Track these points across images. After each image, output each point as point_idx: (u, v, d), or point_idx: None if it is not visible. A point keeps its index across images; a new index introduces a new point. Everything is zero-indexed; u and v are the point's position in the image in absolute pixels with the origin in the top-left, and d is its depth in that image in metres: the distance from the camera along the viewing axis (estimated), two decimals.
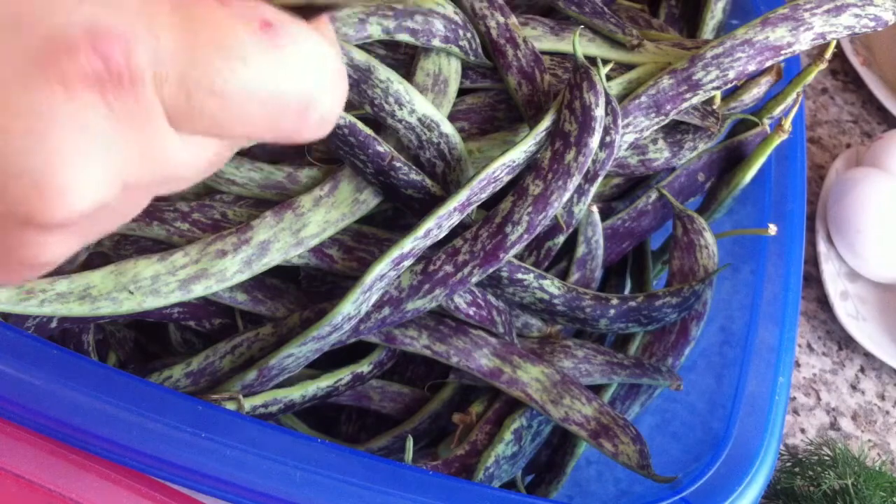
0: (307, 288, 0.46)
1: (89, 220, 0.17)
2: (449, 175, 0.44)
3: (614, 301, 0.46)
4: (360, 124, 0.42)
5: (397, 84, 0.42)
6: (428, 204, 0.43)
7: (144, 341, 0.49)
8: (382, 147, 0.42)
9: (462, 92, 0.47)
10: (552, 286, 0.45)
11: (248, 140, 0.19)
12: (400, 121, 0.43)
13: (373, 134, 0.42)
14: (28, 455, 0.35)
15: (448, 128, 0.44)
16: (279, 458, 0.35)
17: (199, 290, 0.41)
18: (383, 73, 0.42)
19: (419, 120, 0.43)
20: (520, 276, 0.44)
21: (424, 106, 0.43)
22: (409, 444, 0.42)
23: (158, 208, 0.43)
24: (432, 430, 0.47)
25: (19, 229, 0.17)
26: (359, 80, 0.42)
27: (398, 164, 0.42)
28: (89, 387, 0.34)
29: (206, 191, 0.45)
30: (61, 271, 0.40)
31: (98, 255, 0.44)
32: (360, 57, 0.42)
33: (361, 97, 0.43)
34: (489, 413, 0.45)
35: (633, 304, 0.46)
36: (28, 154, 0.16)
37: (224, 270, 0.41)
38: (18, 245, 0.18)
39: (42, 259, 0.18)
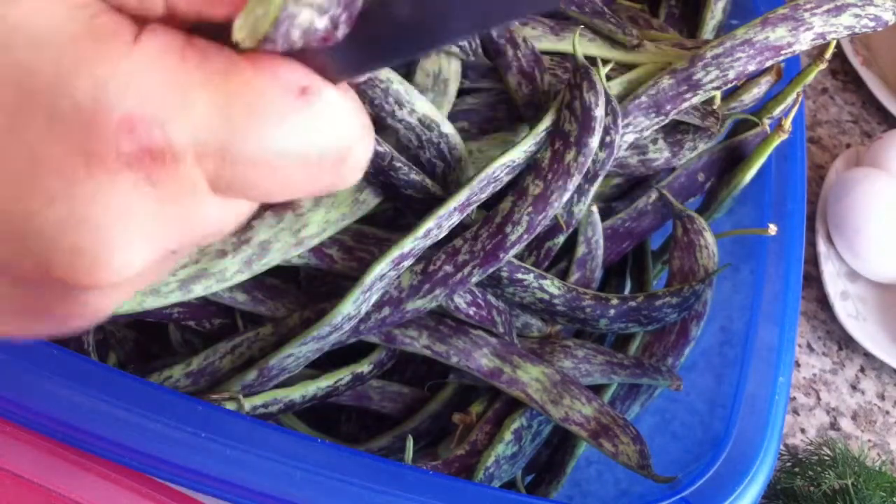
0: (307, 288, 0.46)
1: (132, 281, 0.18)
2: (449, 175, 0.44)
3: (614, 301, 0.46)
4: None
5: (397, 84, 0.42)
6: (428, 204, 0.43)
7: (144, 341, 0.49)
8: (382, 147, 0.42)
9: (462, 92, 0.47)
10: (552, 286, 0.45)
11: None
12: (400, 121, 0.43)
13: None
14: (28, 455, 0.34)
15: (448, 128, 0.44)
16: (279, 458, 0.35)
17: (198, 289, 0.41)
18: (383, 72, 0.42)
19: (419, 120, 0.43)
20: (520, 276, 0.44)
21: (424, 106, 0.43)
22: (409, 444, 0.42)
23: None
24: (432, 430, 0.47)
25: (63, 291, 0.18)
26: None
27: (398, 164, 0.42)
28: (89, 387, 0.34)
29: None
30: None
31: None
32: None
33: (361, 97, 0.43)
34: (489, 413, 0.45)
35: (633, 304, 0.46)
36: (76, 232, 0.17)
37: (224, 270, 0.41)
38: (62, 304, 0.18)
39: (83, 314, 0.19)
